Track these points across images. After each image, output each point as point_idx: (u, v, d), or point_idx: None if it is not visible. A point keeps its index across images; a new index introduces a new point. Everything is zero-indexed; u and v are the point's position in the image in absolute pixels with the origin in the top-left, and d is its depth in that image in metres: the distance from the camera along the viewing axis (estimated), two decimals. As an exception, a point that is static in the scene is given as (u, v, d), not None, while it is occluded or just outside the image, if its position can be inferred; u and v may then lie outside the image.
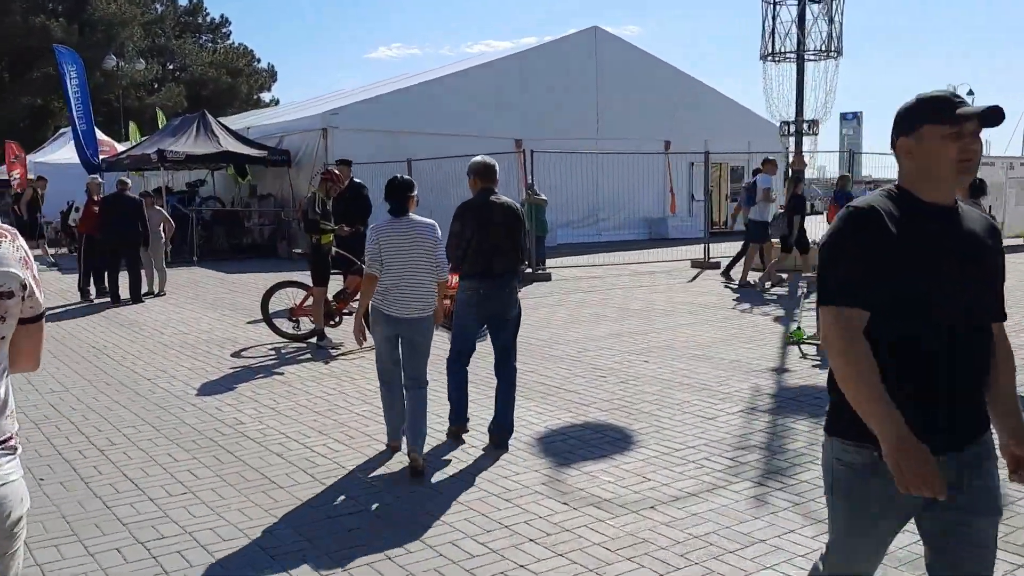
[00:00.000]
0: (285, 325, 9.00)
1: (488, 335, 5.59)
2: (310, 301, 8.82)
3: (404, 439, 5.09)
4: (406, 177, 5.37)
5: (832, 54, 15.87)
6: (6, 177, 26.31)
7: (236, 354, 8.43)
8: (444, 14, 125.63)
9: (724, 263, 14.32)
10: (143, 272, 12.37)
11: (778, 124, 16.86)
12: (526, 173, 14.90)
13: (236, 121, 25.36)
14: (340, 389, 6.92)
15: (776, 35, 16.03)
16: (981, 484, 2.17)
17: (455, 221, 5.40)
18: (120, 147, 23.48)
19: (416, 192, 5.25)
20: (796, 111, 16.05)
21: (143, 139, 23.08)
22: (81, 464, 5.08)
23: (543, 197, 14.60)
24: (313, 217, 8.49)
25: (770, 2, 16.10)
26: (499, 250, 5.35)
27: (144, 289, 12.37)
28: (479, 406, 5.93)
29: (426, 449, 5.22)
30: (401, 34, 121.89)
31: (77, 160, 19.82)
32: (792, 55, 15.94)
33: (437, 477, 4.84)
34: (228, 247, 19.28)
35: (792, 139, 16.26)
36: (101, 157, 19.92)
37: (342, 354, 8.33)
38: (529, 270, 13.45)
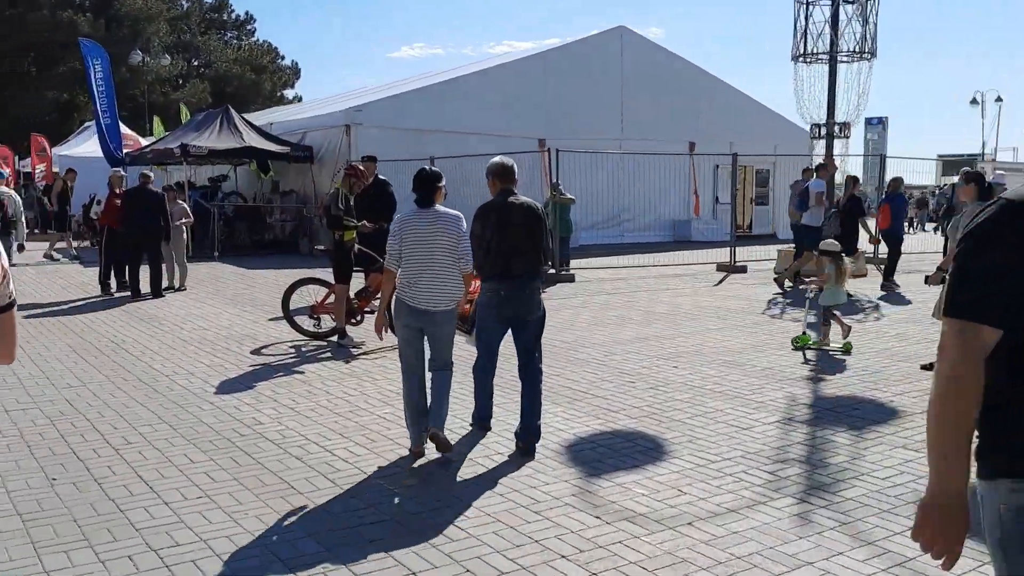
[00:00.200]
0: (306, 323, 8.84)
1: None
2: (332, 298, 8.66)
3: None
4: (434, 168, 5.32)
5: (865, 55, 15.51)
6: (29, 170, 26.43)
7: (256, 351, 8.27)
8: (467, 15, 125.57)
9: (750, 267, 14.08)
10: (164, 266, 12.28)
11: (808, 127, 16.52)
12: (551, 172, 14.68)
13: (259, 117, 25.33)
14: (361, 390, 6.74)
15: (808, 36, 15.66)
16: None
17: (475, 222, 5.33)
18: (144, 142, 23.47)
19: (444, 184, 5.26)
20: (827, 113, 15.70)
21: (166, 134, 23.07)
22: (95, 464, 4.93)
23: (570, 196, 14.36)
24: (336, 213, 8.32)
25: (803, 2, 15.76)
26: (518, 251, 5.26)
27: (164, 283, 12.28)
28: (506, 411, 5.73)
29: (451, 454, 5.04)
30: (424, 34, 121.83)
31: (101, 154, 19.80)
32: (824, 56, 15.59)
33: (463, 485, 4.64)
34: (250, 243, 19.21)
35: (822, 142, 15.91)
36: (125, 151, 19.89)
37: (363, 353, 8.15)
38: (552, 271, 13.22)
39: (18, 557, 3.66)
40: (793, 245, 13.42)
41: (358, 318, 8.85)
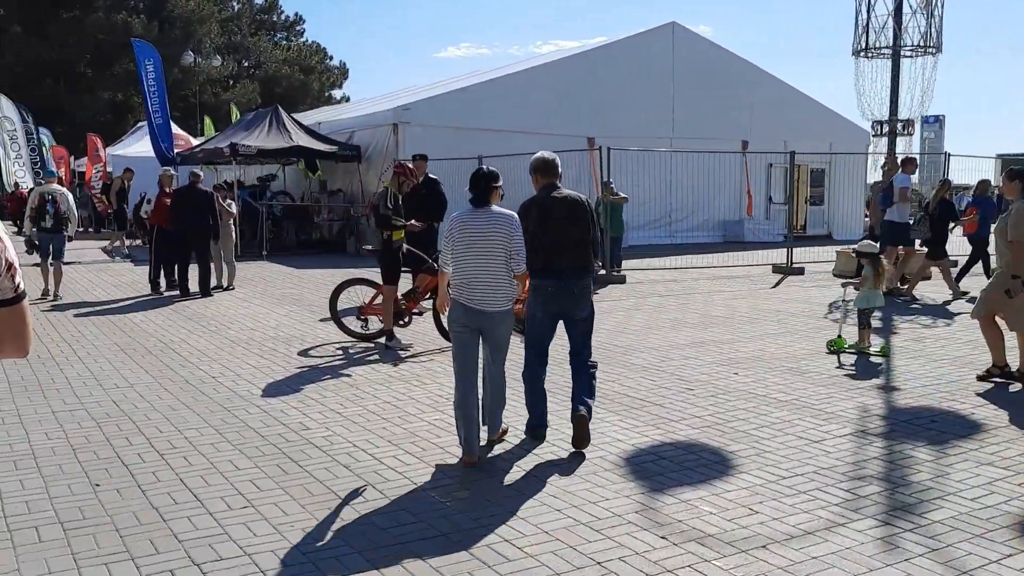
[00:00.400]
0: (353, 324, 8.69)
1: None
2: (379, 299, 8.48)
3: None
4: (491, 168, 5.15)
5: (930, 50, 14.91)
6: (84, 170, 26.89)
7: (303, 352, 8.14)
8: (513, 15, 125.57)
9: (808, 268, 13.53)
10: (212, 265, 12.27)
11: (869, 124, 15.94)
12: (601, 171, 14.37)
13: (308, 116, 25.41)
14: (410, 394, 6.54)
15: (871, 29, 15.10)
16: None
17: (519, 219, 5.15)
18: (195, 142, 23.70)
19: (500, 184, 5.10)
20: (890, 110, 15.12)
21: (216, 133, 23.26)
22: (139, 469, 4.79)
23: (623, 195, 14.03)
24: (384, 212, 8.14)
25: (865, -6, 15.22)
26: (559, 246, 5.15)
27: (213, 283, 12.26)
28: (560, 418, 5.47)
29: (504, 464, 4.81)
30: (470, 34, 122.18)
31: (152, 153, 20.00)
32: (887, 51, 15.01)
33: (517, 499, 4.39)
34: (297, 242, 19.22)
35: (884, 139, 15.33)
36: (176, 151, 20.07)
37: (412, 356, 7.96)
38: (603, 271, 12.91)
39: (57, 570, 3.51)
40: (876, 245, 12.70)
41: (406, 320, 8.66)
